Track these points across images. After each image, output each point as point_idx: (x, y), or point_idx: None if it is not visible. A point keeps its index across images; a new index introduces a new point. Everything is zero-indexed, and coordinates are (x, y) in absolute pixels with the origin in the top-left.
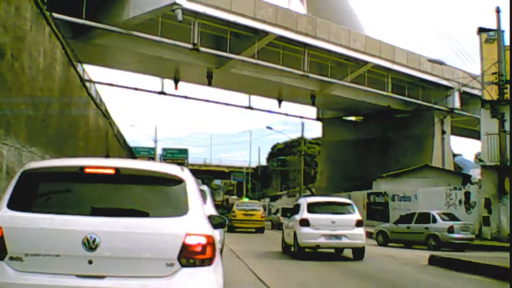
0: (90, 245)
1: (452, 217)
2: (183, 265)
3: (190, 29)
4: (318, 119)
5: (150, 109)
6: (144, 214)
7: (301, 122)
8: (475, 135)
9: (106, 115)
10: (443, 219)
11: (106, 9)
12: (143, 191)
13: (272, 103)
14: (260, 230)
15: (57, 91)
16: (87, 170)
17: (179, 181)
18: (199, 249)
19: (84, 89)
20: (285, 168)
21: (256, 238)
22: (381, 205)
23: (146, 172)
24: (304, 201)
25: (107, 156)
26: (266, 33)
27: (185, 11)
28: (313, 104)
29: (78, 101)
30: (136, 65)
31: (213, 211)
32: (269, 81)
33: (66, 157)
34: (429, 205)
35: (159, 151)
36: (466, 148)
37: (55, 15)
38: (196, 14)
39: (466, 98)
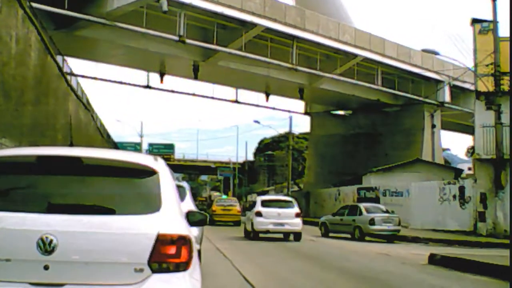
0: (46, 247)
1: (381, 211)
2: (154, 271)
3: (176, 21)
4: (306, 113)
5: (136, 104)
6: (110, 211)
7: (289, 116)
8: (465, 129)
9: (87, 107)
10: (368, 212)
11: None
12: (109, 184)
13: (259, 97)
14: (237, 223)
15: (32, 79)
16: (45, 160)
17: (151, 172)
18: (173, 251)
19: (63, 79)
20: (273, 163)
21: (229, 228)
22: (372, 200)
23: (113, 162)
24: (259, 199)
25: (71, 144)
26: (254, 25)
27: (171, 1)
28: (301, 98)
29: (57, 92)
30: (121, 58)
31: (192, 207)
32: (256, 74)
33: None
34: (422, 200)
35: (145, 146)
36: (452, 143)
37: (36, 5)
38: (182, 5)
39: (457, 92)
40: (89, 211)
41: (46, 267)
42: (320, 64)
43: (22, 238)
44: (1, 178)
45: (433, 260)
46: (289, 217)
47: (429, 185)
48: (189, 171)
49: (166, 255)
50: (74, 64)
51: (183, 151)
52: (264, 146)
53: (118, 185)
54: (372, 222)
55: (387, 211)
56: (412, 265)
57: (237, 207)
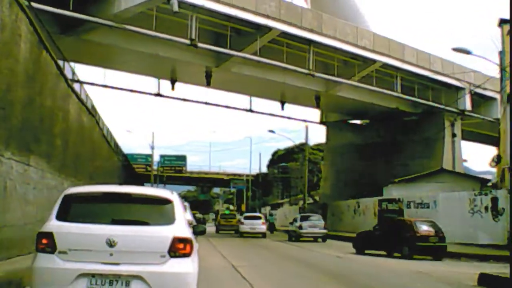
0: (111, 243)
1: (314, 219)
2: (171, 256)
3: (187, 25)
4: (321, 122)
5: (147, 115)
6: (146, 223)
7: (304, 126)
8: (484, 139)
9: (91, 112)
10: (301, 220)
11: (95, 0)
12: (145, 208)
13: (274, 106)
14: (236, 231)
15: (23, 74)
16: (109, 194)
17: (169, 201)
18: (181, 246)
19: (63, 78)
20: (287, 175)
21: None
22: (395, 212)
23: (147, 195)
24: (243, 216)
25: (121, 183)
26: (269, 28)
27: (182, 3)
28: (317, 106)
29: (54, 92)
30: (131, 65)
31: (190, 218)
32: (271, 81)
33: (37, 155)
34: (450, 212)
35: (156, 158)
36: (465, 154)
37: (37, 5)
38: (194, 7)
39: (478, 99)
40: (134, 223)
41: (111, 254)
42: (338, 70)
43: (98, 238)
44: (85, 204)
45: (484, 281)
46: (258, 224)
47: (458, 196)
48: (201, 184)
49: (178, 248)
50: (82, 71)
51: (195, 163)
52: (278, 158)
53: (150, 208)
54: (300, 227)
55: (318, 220)
56: (459, 286)
57: (236, 219)
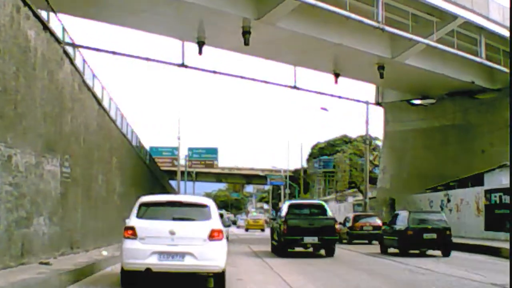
0: (172, 232)
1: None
2: (209, 240)
3: None
4: (378, 103)
5: (172, 100)
6: (193, 220)
7: (365, 102)
8: None
9: (53, 33)
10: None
11: None
12: (192, 210)
13: (324, 80)
14: (262, 230)
15: None
16: (169, 201)
17: (206, 205)
18: (216, 234)
19: None
20: (330, 170)
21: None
22: None
23: (193, 202)
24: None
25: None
26: None
27: None
28: (381, 77)
29: None
30: (147, 18)
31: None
32: (325, 42)
33: None
34: None
35: (184, 152)
36: None
37: None
38: None
39: None
40: (186, 220)
41: (172, 239)
42: (410, 29)
43: (164, 229)
44: (154, 207)
45: None
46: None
47: None
48: (234, 180)
49: (214, 235)
50: (89, 30)
51: (227, 157)
52: (318, 151)
53: (196, 210)
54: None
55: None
56: None
57: (262, 220)
